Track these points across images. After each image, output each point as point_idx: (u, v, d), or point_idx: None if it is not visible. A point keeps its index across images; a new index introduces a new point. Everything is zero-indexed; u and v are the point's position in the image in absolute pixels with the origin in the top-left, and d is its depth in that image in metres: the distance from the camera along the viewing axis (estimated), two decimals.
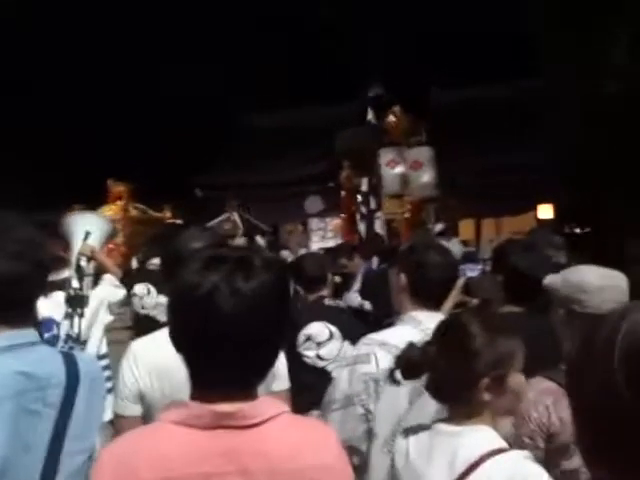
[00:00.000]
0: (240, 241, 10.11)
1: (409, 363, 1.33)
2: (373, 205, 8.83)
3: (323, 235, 20.22)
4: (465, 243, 9.37)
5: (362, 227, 8.69)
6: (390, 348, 1.70)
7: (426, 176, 9.82)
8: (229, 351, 0.97)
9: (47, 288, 3.50)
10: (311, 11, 28.38)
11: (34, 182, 19.80)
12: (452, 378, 1.27)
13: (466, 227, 15.13)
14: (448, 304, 1.92)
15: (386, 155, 9.66)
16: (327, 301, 2.96)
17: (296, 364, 2.12)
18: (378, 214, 9.15)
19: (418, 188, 9.71)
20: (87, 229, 4.02)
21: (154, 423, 1.05)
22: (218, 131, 22.50)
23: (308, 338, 2.72)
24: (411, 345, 1.32)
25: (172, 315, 1.01)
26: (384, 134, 10.05)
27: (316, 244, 19.36)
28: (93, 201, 13.11)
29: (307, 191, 18.32)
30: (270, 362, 1.05)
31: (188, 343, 1.00)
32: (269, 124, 21.10)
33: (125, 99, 24.94)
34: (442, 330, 1.34)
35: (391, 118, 10.21)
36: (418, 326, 1.77)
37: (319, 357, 2.75)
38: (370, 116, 9.11)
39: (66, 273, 3.85)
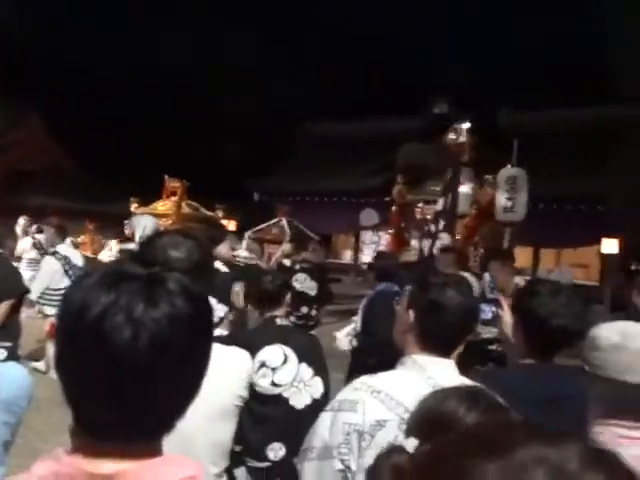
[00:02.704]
0: (286, 247, 9.95)
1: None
2: (441, 226, 8.46)
3: (375, 249, 19.96)
4: (519, 271, 8.89)
5: (423, 245, 8.32)
6: (383, 397, 1.45)
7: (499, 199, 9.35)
8: (118, 394, 0.76)
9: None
10: (381, 25, 28.34)
11: (99, 177, 20.47)
12: None
13: (523, 255, 14.52)
14: (458, 350, 1.64)
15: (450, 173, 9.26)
16: (279, 320, 2.69)
17: (250, 393, 1.89)
18: (442, 235, 8.73)
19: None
20: (144, 224, 7.37)
21: (23, 475, 0.82)
22: (279, 137, 22.66)
23: (262, 364, 2.46)
24: (392, 449, 0.90)
25: (56, 338, 0.80)
26: (444, 152, 9.69)
27: (367, 257, 19.14)
28: (150, 195, 13.29)
29: (363, 203, 18.11)
30: (177, 411, 0.82)
31: (69, 375, 0.79)
32: (331, 133, 21.08)
33: (190, 97, 25.50)
34: (424, 420, 0.90)
35: (452, 136, 9.83)
36: (422, 373, 1.51)
37: (274, 384, 2.48)
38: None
39: (132, 245, 7.01)
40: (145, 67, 26.35)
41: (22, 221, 10.22)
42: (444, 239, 7.94)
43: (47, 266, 6.43)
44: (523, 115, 17.74)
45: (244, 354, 1.84)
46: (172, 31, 27.14)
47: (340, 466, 1.41)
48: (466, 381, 1.51)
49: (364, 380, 1.51)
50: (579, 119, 16.57)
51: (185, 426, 0.84)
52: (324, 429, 1.46)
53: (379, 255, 5.60)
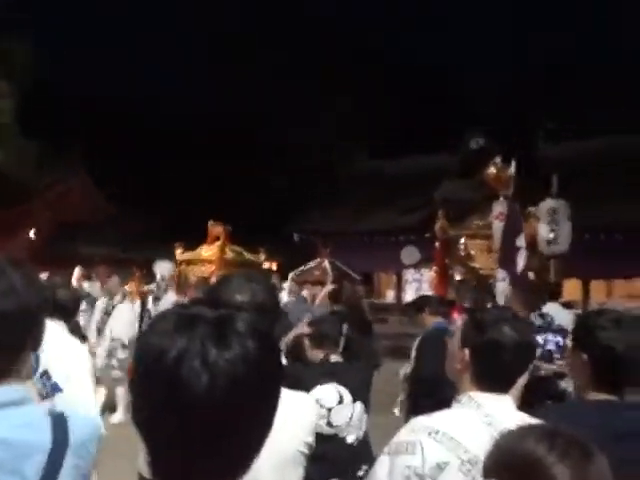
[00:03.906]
0: (329, 288, 9.98)
1: None
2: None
3: (418, 287, 19.71)
4: (570, 305, 8.64)
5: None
6: (441, 437, 1.42)
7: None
8: (197, 437, 0.76)
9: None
10: (415, 62, 28.77)
11: (145, 225, 21.01)
12: None
13: (572, 287, 14.13)
14: (519, 385, 1.60)
15: (496, 208, 9.09)
16: (333, 357, 2.76)
17: None
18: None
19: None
20: (161, 267, 9.84)
21: None
22: (318, 179, 22.91)
23: (317, 404, 2.49)
24: None
25: (131, 386, 0.82)
26: (484, 186, 9.59)
27: (410, 296, 18.92)
28: (194, 241, 13.55)
29: (403, 241, 18.02)
30: (253, 452, 0.82)
31: (147, 422, 0.80)
32: (368, 172, 21.21)
33: (229, 144, 26.12)
34: (502, 462, 0.90)
35: (492, 170, 9.74)
36: (479, 410, 1.48)
37: (330, 424, 2.53)
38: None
39: (153, 286, 9.36)
40: (186, 116, 27.24)
41: (77, 271, 10.54)
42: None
43: (128, 313, 7.20)
44: (561, 144, 17.54)
45: (310, 400, 1.85)
46: (214, 77, 28.11)
47: None
48: (526, 418, 1.47)
49: (420, 421, 1.48)
50: (620, 145, 16.30)
51: (256, 471, 0.85)
52: (383, 474, 1.44)
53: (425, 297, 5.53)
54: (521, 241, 7.14)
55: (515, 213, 7.57)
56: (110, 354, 6.95)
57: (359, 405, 2.64)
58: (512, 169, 8.23)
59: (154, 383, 0.78)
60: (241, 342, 0.79)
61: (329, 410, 2.54)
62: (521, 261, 6.93)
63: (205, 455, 0.77)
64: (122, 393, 6.97)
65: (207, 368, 0.76)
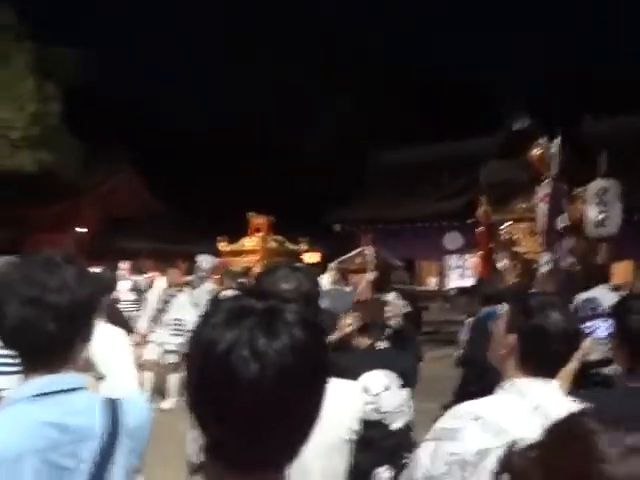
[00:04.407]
0: (371, 276, 9.95)
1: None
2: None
3: (461, 273, 19.46)
4: (618, 288, 8.37)
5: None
6: (484, 424, 1.40)
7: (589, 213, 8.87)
8: (246, 425, 0.78)
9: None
10: (447, 44, 28.28)
11: (190, 219, 21.36)
12: None
13: (622, 270, 13.70)
14: (567, 370, 1.58)
15: (541, 190, 8.88)
16: (380, 344, 2.83)
17: None
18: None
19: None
20: (201, 260, 9.24)
21: None
22: (357, 167, 22.82)
23: (364, 390, 2.52)
24: (510, 452, 0.90)
25: (187, 374, 0.85)
26: (529, 168, 9.37)
27: (454, 282, 18.70)
28: (236, 233, 13.74)
29: (445, 227, 17.81)
30: (301, 439, 0.84)
31: (201, 409, 0.83)
32: (408, 159, 20.98)
33: (267, 139, 26.25)
34: (556, 438, 0.87)
35: (536, 151, 9.50)
36: (524, 396, 1.46)
37: (377, 410, 2.57)
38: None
39: (192, 277, 9.27)
40: (224, 114, 27.54)
41: (125, 265, 10.78)
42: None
43: (187, 301, 7.70)
44: (609, 121, 16.96)
45: (356, 387, 1.88)
46: (249, 79, 28.26)
47: None
48: (573, 403, 1.44)
49: (464, 407, 1.48)
50: None
51: (303, 458, 0.86)
52: (426, 459, 1.44)
53: (480, 281, 5.49)
54: (561, 222, 6.95)
55: (559, 194, 7.38)
56: (165, 340, 7.23)
57: (406, 391, 2.68)
58: (554, 148, 8.00)
59: (206, 373, 0.80)
60: (290, 332, 0.80)
61: (376, 396, 2.58)
62: (563, 244, 6.77)
63: (254, 442, 0.79)
64: (173, 380, 7.17)
65: (256, 357, 0.77)
